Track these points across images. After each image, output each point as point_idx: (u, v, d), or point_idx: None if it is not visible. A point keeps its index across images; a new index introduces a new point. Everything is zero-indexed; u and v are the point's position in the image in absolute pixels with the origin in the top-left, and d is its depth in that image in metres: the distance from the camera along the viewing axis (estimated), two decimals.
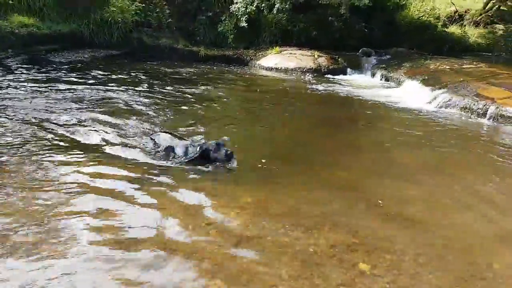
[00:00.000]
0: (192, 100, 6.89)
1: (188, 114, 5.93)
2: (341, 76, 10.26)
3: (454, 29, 13.82)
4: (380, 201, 3.60)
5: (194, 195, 3.45)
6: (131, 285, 2.35)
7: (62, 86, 6.97)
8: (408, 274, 2.62)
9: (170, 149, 4.21)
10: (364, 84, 9.56)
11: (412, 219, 3.34)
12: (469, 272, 2.70)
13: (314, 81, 9.54)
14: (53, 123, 4.98)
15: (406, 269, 2.67)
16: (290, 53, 11.04)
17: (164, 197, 3.39)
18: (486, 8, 14.26)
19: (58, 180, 3.49)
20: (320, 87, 8.79)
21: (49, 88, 6.76)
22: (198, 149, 4.02)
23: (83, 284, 2.32)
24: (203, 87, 7.99)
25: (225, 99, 7.46)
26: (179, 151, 4.18)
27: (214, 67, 10.60)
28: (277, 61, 10.75)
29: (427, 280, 2.57)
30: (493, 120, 6.45)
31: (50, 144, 4.29)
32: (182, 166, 4.00)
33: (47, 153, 4.03)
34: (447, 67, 9.32)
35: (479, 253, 2.96)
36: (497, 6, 13.87)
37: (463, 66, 9.35)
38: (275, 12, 11.42)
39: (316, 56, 10.84)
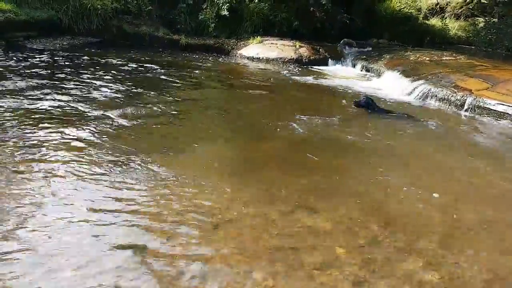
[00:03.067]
0: (167, 89, 6.73)
1: (158, 104, 5.78)
2: (322, 67, 10.21)
3: (435, 21, 13.94)
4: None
5: None
6: None
7: (38, 73, 6.77)
8: None
9: None
10: (344, 75, 9.54)
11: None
12: None
13: (295, 71, 9.48)
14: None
15: None
16: (272, 43, 10.93)
17: None
18: (467, 0, 14.41)
19: None
20: (300, 78, 8.73)
21: (25, 74, 6.54)
22: None
23: None
24: (180, 76, 7.83)
25: (202, 88, 7.33)
26: None
27: (195, 56, 10.41)
28: (258, 51, 10.63)
29: None
30: (470, 110, 6.51)
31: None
32: None
33: None
34: (427, 58, 9.37)
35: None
36: None
37: (442, 58, 9.42)
38: (256, 1, 11.28)
39: (297, 46, 10.76)
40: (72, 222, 2.79)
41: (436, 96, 7.10)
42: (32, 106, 5.06)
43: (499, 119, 6.08)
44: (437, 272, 2.58)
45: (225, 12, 11.00)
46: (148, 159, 3.86)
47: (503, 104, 6.15)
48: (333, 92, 7.72)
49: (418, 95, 7.36)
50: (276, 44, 10.88)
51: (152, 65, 8.55)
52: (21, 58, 7.89)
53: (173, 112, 5.47)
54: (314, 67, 10.10)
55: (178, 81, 7.43)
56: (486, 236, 3.07)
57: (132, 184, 3.36)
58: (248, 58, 10.55)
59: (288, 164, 4.18)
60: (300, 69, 9.76)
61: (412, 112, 6.35)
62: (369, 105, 6.24)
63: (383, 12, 13.11)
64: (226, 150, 4.46)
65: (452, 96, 6.86)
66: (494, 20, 12.56)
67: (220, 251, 2.62)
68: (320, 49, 10.89)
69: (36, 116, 4.72)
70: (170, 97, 6.21)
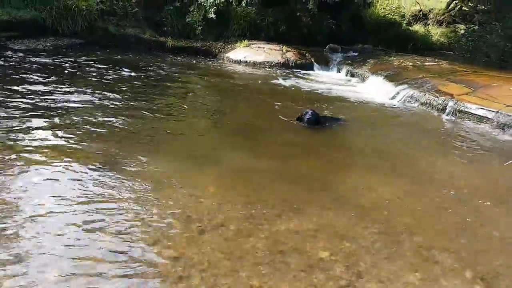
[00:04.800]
0: (151, 93, 6.71)
1: (142, 107, 5.76)
2: (308, 71, 10.31)
3: (418, 27, 14.24)
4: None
5: None
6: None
7: (18, 75, 6.67)
8: None
9: None
10: (330, 79, 9.65)
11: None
12: None
13: (281, 75, 9.55)
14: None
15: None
16: (259, 47, 11.00)
17: None
18: (449, 8, 14.78)
19: None
20: (286, 82, 8.80)
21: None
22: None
23: None
24: (167, 79, 7.82)
25: (186, 91, 7.32)
26: None
27: (181, 59, 10.39)
28: (245, 54, 10.68)
29: None
30: (451, 114, 6.66)
31: None
32: None
33: None
34: (410, 64, 9.56)
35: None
36: (459, 6, 14.40)
37: (425, 64, 9.62)
38: (244, 5, 11.32)
39: (284, 50, 10.86)
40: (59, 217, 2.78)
41: (418, 100, 7.26)
42: (13, 109, 5.00)
43: (479, 122, 6.25)
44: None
45: (212, 15, 11.02)
46: (132, 160, 3.86)
47: (483, 108, 6.33)
48: (318, 96, 7.81)
49: (401, 99, 7.51)
50: (263, 48, 10.96)
51: (138, 67, 8.51)
52: (3, 59, 7.76)
53: (157, 114, 5.46)
54: (300, 71, 10.20)
55: (164, 83, 7.42)
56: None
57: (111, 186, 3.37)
58: (235, 61, 10.59)
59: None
60: (286, 73, 9.83)
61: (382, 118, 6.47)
62: (316, 122, 5.48)
63: (368, 18, 13.33)
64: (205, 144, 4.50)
65: (434, 100, 7.02)
66: (474, 27, 12.90)
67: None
68: (307, 54, 11.01)
69: (17, 120, 4.67)
70: (154, 100, 6.19)
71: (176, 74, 8.34)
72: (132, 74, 7.86)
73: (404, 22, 13.97)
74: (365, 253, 2.78)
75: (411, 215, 3.38)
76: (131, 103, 5.84)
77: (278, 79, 8.96)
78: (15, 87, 5.90)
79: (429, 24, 14.54)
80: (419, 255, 2.82)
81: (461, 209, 3.60)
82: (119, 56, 9.56)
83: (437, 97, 7.04)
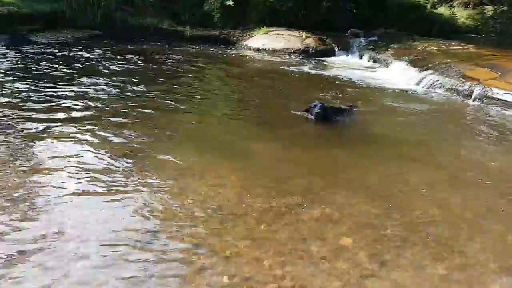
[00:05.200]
0: (170, 84, 6.71)
1: (161, 98, 5.79)
2: (329, 58, 10.13)
3: (443, 10, 13.73)
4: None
5: None
6: None
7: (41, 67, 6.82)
8: None
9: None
10: (352, 65, 9.46)
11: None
12: None
13: (301, 62, 9.42)
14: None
15: None
16: (278, 34, 10.85)
17: None
18: None
19: None
20: (307, 69, 8.69)
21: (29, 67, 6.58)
22: None
23: None
24: (185, 70, 7.83)
25: (205, 81, 7.31)
26: None
27: (200, 48, 10.36)
28: (264, 42, 10.57)
29: None
30: (478, 100, 6.43)
31: None
32: None
33: None
34: (435, 48, 9.26)
35: None
36: None
37: (450, 48, 9.30)
38: None
39: (304, 37, 10.67)
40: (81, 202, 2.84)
41: (444, 86, 7.04)
42: (36, 99, 5.11)
43: (507, 108, 6.01)
44: None
45: (230, 2, 10.91)
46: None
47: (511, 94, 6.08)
48: (339, 83, 7.66)
49: (426, 85, 7.30)
50: (282, 34, 10.80)
51: (156, 58, 8.55)
52: (24, 52, 7.92)
53: (177, 104, 5.48)
54: (321, 58, 10.02)
55: (182, 74, 7.43)
56: None
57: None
58: (254, 49, 10.49)
59: None
60: (306, 60, 9.68)
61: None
62: (325, 116, 5.02)
63: (390, 1, 12.91)
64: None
65: (459, 86, 6.79)
66: (503, 8, 12.32)
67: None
68: (327, 40, 10.79)
69: (42, 108, 4.78)
70: (174, 90, 6.22)
71: (195, 64, 8.33)
72: (151, 64, 7.90)
73: (429, 4, 13.48)
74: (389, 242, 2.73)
75: (440, 205, 3.29)
76: (151, 94, 5.88)
77: (297, 67, 8.84)
78: (38, 79, 6.04)
79: (454, 6, 13.99)
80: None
81: (494, 198, 3.48)
82: (138, 47, 9.62)
83: (463, 82, 6.81)
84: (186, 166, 3.67)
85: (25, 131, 4.09)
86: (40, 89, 5.55)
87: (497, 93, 6.23)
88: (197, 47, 10.46)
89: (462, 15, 13.57)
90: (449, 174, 3.93)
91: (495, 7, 13.04)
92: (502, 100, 6.12)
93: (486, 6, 13.82)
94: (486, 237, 2.89)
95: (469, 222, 3.08)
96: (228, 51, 10.39)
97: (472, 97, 6.50)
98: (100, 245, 2.53)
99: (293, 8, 11.60)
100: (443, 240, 2.81)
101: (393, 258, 2.59)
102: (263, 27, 11.12)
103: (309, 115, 5.09)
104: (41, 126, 4.24)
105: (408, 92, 7.09)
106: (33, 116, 4.51)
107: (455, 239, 2.83)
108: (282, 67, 8.74)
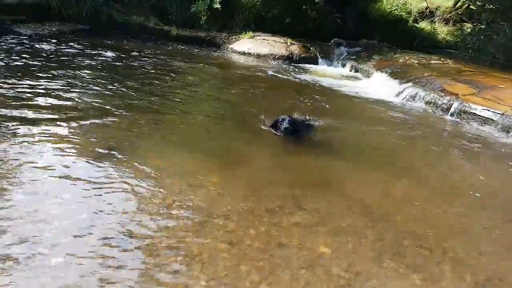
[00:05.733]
0: (154, 83, 6.64)
1: (144, 96, 5.73)
2: (312, 65, 10.24)
3: (424, 25, 14.12)
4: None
5: None
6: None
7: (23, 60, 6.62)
8: None
9: None
10: (334, 74, 9.59)
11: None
12: None
13: (285, 68, 9.48)
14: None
15: None
16: (263, 39, 10.91)
17: None
18: (456, 6, 14.64)
19: None
20: (290, 75, 8.75)
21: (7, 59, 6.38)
22: None
23: None
24: (168, 69, 7.76)
25: (188, 81, 7.26)
26: None
27: (185, 48, 10.30)
28: (250, 46, 10.60)
29: None
30: (456, 115, 6.61)
31: None
32: None
33: None
34: (416, 61, 9.49)
35: None
36: (466, 5, 14.25)
37: (430, 62, 9.55)
38: None
39: (289, 43, 10.76)
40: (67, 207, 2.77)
41: (423, 99, 7.20)
42: (12, 93, 4.95)
43: (483, 124, 6.20)
44: None
45: (218, 5, 10.91)
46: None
47: (488, 110, 6.27)
48: (320, 91, 7.75)
49: (405, 97, 7.45)
50: (267, 40, 10.86)
51: (141, 56, 8.45)
52: (5, 43, 7.70)
53: (159, 103, 5.42)
54: (304, 65, 10.13)
55: (167, 73, 7.36)
56: None
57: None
58: (239, 52, 10.51)
59: None
60: (290, 66, 9.75)
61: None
62: (294, 131, 4.66)
63: (374, 14, 13.20)
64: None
65: (439, 99, 6.96)
66: (481, 26, 12.77)
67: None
68: (311, 48, 10.91)
69: (16, 103, 4.64)
70: (157, 89, 6.15)
71: (179, 64, 8.28)
72: (136, 62, 7.81)
73: (411, 19, 13.84)
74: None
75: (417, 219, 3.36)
76: (134, 91, 5.79)
77: (280, 73, 8.89)
78: (20, 72, 5.86)
79: (435, 22, 14.41)
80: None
81: (465, 215, 3.58)
82: (122, 44, 9.48)
83: (442, 96, 6.98)
84: (166, 165, 3.63)
85: None
86: (17, 83, 5.38)
87: (475, 109, 6.41)
88: (183, 47, 10.40)
89: (442, 30, 13.99)
90: (420, 183, 4.02)
91: (474, 24, 13.50)
92: (479, 115, 6.30)
93: (466, 24, 14.28)
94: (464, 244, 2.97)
95: (444, 230, 3.16)
96: (214, 53, 10.37)
97: (450, 111, 6.67)
98: (72, 244, 2.47)
99: (279, 15, 11.69)
100: (423, 250, 2.87)
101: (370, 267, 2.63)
102: (249, 32, 11.16)
103: (278, 130, 4.73)
104: (15, 122, 4.10)
105: (388, 103, 7.23)
106: (7, 111, 4.36)
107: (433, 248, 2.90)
108: (265, 72, 8.77)
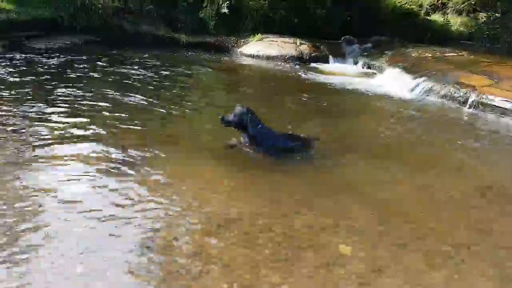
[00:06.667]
0: (166, 91, 6.67)
1: (157, 105, 5.76)
2: (323, 64, 10.15)
3: (436, 17, 13.86)
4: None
5: None
6: None
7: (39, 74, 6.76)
8: None
9: None
10: (346, 72, 9.49)
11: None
12: None
13: (296, 69, 9.43)
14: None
15: None
16: (272, 41, 10.87)
17: None
18: None
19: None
20: (301, 75, 8.69)
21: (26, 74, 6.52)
22: None
23: None
24: (181, 75, 7.81)
25: (199, 88, 7.29)
26: None
27: (195, 55, 10.35)
28: (259, 48, 10.58)
29: None
30: (473, 107, 6.45)
31: None
32: None
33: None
34: (429, 55, 9.31)
35: None
36: None
37: (445, 54, 9.35)
38: None
39: (298, 43, 10.70)
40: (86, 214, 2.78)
41: (438, 92, 7.06)
42: (36, 107, 5.05)
43: (502, 115, 6.03)
44: None
45: (225, 10, 10.93)
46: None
47: (507, 101, 6.10)
48: (333, 89, 7.66)
49: (420, 91, 7.31)
50: (276, 41, 10.82)
51: (153, 65, 8.52)
52: (21, 58, 7.88)
53: (172, 111, 5.43)
54: (315, 64, 10.05)
55: (178, 81, 7.39)
56: None
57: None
58: (248, 55, 10.50)
59: None
60: (300, 66, 9.69)
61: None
62: (243, 123, 3.95)
63: (384, 9, 13.02)
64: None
65: (455, 92, 6.81)
66: (496, 15, 12.45)
67: None
68: (321, 47, 10.83)
69: (43, 116, 4.72)
70: (169, 98, 6.17)
71: (190, 71, 8.31)
72: (148, 71, 7.85)
73: (422, 12, 13.60)
74: None
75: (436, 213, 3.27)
76: (147, 101, 5.82)
77: (291, 73, 8.84)
78: (36, 85, 5.97)
79: (448, 14, 14.12)
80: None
81: (485, 207, 3.46)
82: (134, 54, 9.58)
83: (458, 89, 6.83)
84: (180, 170, 3.63)
85: (18, 137, 4.02)
86: (35, 95, 5.49)
87: (493, 100, 6.25)
88: (193, 53, 10.44)
89: (455, 21, 13.70)
90: (441, 178, 3.91)
91: (488, 14, 13.18)
92: (498, 106, 6.14)
93: (479, 13, 13.97)
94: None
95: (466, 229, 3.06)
96: (223, 57, 10.38)
97: (468, 103, 6.52)
98: (89, 251, 2.49)
99: (286, 16, 11.65)
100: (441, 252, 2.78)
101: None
102: (257, 34, 11.15)
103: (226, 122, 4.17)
104: (36, 132, 4.18)
105: (403, 98, 7.11)
106: (26, 123, 4.45)
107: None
108: (276, 74, 8.74)
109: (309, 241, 2.76)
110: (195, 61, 9.55)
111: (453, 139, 5.20)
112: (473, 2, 14.07)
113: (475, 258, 2.70)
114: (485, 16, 13.43)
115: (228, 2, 10.87)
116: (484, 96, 6.41)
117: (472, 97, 6.51)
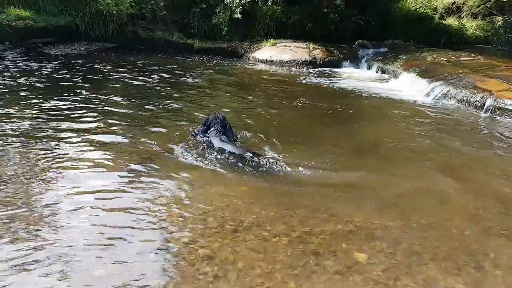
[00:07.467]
0: (179, 97, 6.71)
1: (175, 109, 5.81)
2: (336, 69, 10.13)
3: (451, 21, 13.72)
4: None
5: None
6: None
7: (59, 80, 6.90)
8: None
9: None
10: (360, 76, 9.44)
11: None
12: None
13: (309, 73, 9.42)
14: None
15: None
16: (285, 46, 10.89)
17: None
18: None
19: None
20: (315, 80, 8.67)
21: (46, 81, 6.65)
22: None
23: None
24: (195, 81, 7.87)
25: (215, 93, 7.33)
26: None
27: (209, 60, 10.44)
28: (272, 53, 10.60)
29: None
30: (490, 112, 6.34)
31: None
32: None
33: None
34: (444, 59, 9.20)
35: None
36: None
37: (460, 59, 9.23)
38: (269, 3, 11.26)
39: (311, 48, 10.69)
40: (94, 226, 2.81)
41: (454, 97, 6.96)
42: (52, 109, 5.14)
43: None
44: None
45: (238, 15, 11.00)
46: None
47: None
48: (348, 94, 7.62)
49: (436, 96, 7.23)
50: (289, 46, 10.84)
51: (167, 70, 8.60)
52: (38, 64, 8.05)
53: (187, 117, 5.47)
54: (329, 69, 10.02)
55: (192, 86, 7.45)
56: None
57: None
58: (261, 61, 10.53)
59: None
60: (314, 71, 9.68)
61: None
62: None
63: (398, 13, 12.94)
64: None
65: (471, 97, 6.71)
66: None
67: None
68: (335, 51, 10.80)
69: (54, 125, 4.80)
70: (183, 104, 6.21)
71: (204, 77, 8.36)
72: (162, 77, 7.95)
73: (437, 15, 13.48)
74: None
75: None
76: (162, 107, 5.88)
77: (304, 78, 8.83)
78: (52, 92, 6.09)
79: (463, 17, 13.96)
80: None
81: (502, 219, 3.39)
82: (148, 59, 9.71)
83: (474, 93, 6.72)
84: (198, 175, 3.65)
85: (36, 141, 4.10)
86: (52, 101, 5.60)
87: (510, 105, 6.14)
88: (206, 59, 10.54)
89: (471, 25, 13.54)
90: (463, 185, 3.84)
91: (505, 17, 12.98)
92: None
93: (496, 17, 13.77)
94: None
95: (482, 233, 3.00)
96: (236, 63, 10.44)
97: (484, 108, 6.41)
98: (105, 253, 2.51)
99: (300, 20, 11.66)
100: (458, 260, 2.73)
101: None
102: (270, 39, 11.18)
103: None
104: (54, 135, 4.26)
105: (418, 103, 7.03)
106: (43, 126, 4.54)
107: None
108: (289, 79, 8.74)
109: (326, 247, 2.73)
110: (207, 67, 9.62)
111: (472, 145, 5.10)
112: (488, 6, 13.88)
113: (497, 267, 2.64)
114: (501, 20, 13.23)
115: (241, 7, 10.94)
116: (501, 101, 6.30)
117: (489, 102, 6.41)
